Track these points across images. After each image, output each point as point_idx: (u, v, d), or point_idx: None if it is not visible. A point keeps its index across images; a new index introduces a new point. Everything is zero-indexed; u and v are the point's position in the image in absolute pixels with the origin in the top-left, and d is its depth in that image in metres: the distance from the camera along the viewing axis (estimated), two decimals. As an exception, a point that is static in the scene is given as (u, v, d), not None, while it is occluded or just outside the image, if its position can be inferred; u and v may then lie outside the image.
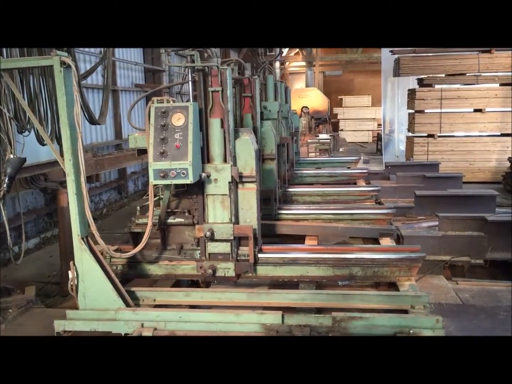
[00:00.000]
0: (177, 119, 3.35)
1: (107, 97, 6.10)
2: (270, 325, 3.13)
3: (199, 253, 3.77)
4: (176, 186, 3.64)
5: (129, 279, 3.99)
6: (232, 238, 3.64)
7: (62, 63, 3.07)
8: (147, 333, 3.16)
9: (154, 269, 3.89)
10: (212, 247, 3.69)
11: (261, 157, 5.15)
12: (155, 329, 3.20)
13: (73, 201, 3.23)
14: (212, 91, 3.57)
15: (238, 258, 3.73)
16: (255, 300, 3.49)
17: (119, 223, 8.17)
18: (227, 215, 3.64)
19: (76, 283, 3.33)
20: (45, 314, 4.01)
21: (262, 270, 3.83)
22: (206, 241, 3.68)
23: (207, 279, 3.78)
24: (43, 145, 4.51)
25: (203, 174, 3.50)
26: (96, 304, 3.35)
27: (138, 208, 4.09)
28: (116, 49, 9.74)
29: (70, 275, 3.33)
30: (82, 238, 3.29)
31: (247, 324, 3.17)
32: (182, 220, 3.79)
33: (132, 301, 3.46)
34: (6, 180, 3.75)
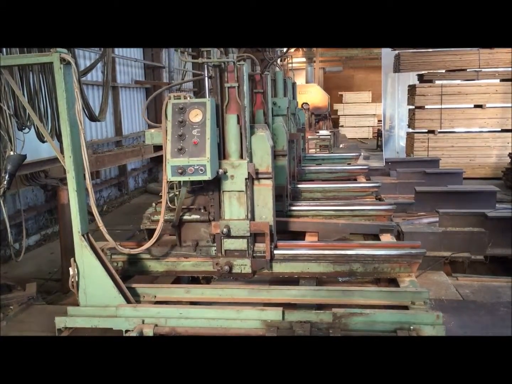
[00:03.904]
0: (195, 115, 3.33)
1: (107, 93, 6.07)
2: (270, 322, 3.14)
3: (215, 250, 3.75)
4: (192, 182, 3.60)
5: (129, 275, 3.99)
6: (248, 234, 3.62)
7: (62, 60, 3.07)
8: (147, 329, 3.17)
9: (155, 266, 3.89)
10: (228, 244, 3.67)
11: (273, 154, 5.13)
12: (156, 325, 3.21)
13: (73, 198, 3.24)
14: (228, 87, 3.54)
15: (254, 254, 3.72)
16: (256, 296, 3.50)
17: (119, 220, 8.20)
18: (243, 211, 3.62)
19: (77, 279, 3.34)
20: (46, 310, 4.01)
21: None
22: (222, 237, 3.65)
23: (223, 275, 3.76)
24: (43, 142, 4.50)
25: (220, 171, 3.47)
26: (97, 301, 3.36)
27: (154, 205, 4.07)
28: (116, 46, 9.73)
29: (71, 272, 3.33)
30: (83, 235, 3.29)
31: (248, 320, 3.18)
32: (198, 216, 3.77)
33: (133, 297, 3.46)
34: (7, 177, 3.75)
